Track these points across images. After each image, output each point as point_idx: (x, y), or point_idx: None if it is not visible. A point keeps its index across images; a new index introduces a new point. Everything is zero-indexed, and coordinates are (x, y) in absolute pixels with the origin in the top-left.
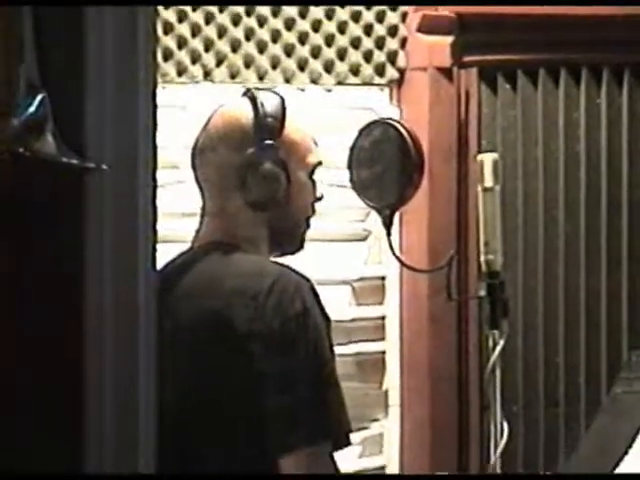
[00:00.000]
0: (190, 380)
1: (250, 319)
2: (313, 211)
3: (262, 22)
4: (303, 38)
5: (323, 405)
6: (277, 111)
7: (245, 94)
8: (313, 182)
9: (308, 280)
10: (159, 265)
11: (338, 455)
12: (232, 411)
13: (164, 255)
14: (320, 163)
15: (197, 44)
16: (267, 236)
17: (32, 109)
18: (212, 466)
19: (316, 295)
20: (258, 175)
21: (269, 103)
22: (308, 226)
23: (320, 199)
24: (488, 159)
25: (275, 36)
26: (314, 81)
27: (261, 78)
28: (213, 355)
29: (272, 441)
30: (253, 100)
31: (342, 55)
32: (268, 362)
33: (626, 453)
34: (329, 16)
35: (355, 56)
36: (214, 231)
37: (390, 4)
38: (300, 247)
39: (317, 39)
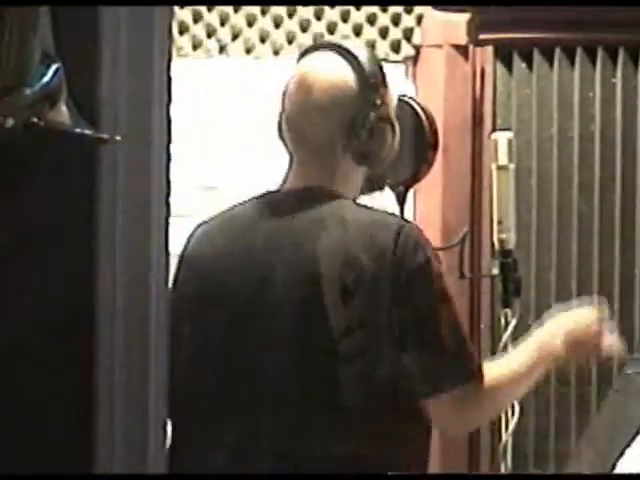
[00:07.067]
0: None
1: (379, 273)
2: None
3: None
4: (319, 13)
5: (457, 349)
6: (376, 69)
7: (322, 48)
8: None
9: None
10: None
11: None
12: (369, 361)
13: (176, 230)
14: None
15: (213, 18)
16: (360, 186)
17: (46, 79)
18: (358, 409)
19: (425, 238)
20: (369, 131)
21: (365, 60)
22: None
23: None
24: (503, 137)
25: (291, 11)
26: None
27: (276, 53)
28: (338, 302)
29: (413, 388)
30: (347, 57)
31: (358, 31)
32: (398, 312)
33: (638, 433)
34: None
35: (371, 32)
36: (309, 178)
37: (400, 4)
38: None
39: (333, 15)
